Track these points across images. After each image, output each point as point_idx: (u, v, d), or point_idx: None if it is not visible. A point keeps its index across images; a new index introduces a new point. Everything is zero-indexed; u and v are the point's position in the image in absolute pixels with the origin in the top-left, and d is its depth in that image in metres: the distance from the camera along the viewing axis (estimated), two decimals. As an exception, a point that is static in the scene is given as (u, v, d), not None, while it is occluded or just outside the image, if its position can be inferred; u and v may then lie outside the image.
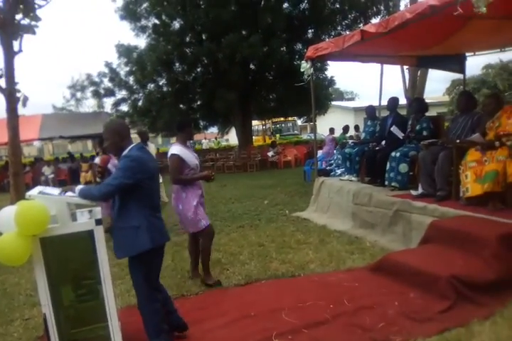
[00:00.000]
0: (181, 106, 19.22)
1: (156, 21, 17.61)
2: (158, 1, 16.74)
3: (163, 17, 17.23)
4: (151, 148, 6.64)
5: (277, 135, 28.26)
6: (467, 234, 3.95)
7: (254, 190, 11.12)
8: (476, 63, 25.84)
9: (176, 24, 17.65)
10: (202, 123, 21.44)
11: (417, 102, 6.57)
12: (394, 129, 6.28)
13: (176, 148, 4.23)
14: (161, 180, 6.58)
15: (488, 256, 3.60)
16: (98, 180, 6.84)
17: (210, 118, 20.60)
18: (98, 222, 2.63)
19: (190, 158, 4.25)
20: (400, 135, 6.22)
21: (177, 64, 18.03)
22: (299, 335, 3.11)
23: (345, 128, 13.45)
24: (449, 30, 5.58)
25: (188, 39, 17.75)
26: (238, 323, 3.42)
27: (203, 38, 17.50)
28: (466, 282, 3.42)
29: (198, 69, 18.53)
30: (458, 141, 5.17)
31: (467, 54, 7.77)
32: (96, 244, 2.63)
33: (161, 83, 18.92)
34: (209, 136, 39.07)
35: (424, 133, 6.02)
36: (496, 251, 3.61)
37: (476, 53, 7.78)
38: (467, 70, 8.18)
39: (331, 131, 13.87)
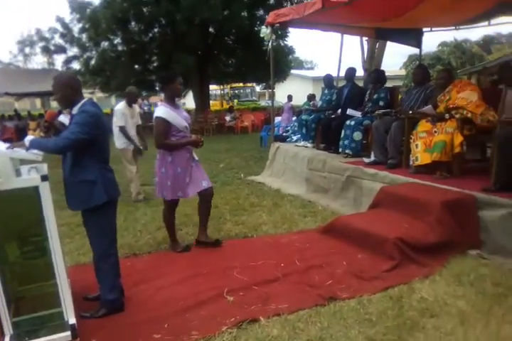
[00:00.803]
0: (137, 66, 18.58)
1: (112, -23, 16.63)
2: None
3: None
4: (136, 109, 6.38)
5: (235, 100, 27.98)
6: (414, 199, 4.14)
7: (210, 154, 11.04)
8: (432, 40, 26.43)
9: (133, -19, 16.77)
10: (158, 86, 20.90)
11: (377, 73, 6.70)
12: (350, 111, 6.36)
13: (160, 110, 3.89)
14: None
15: (432, 220, 3.81)
16: (42, 134, 6.51)
17: (167, 80, 19.99)
18: (44, 178, 2.53)
19: (177, 119, 3.90)
20: (357, 114, 6.30)
21: (133, 23, 17.21)
22: (250, 292, 3.20)
23: (310, 97, 13.52)
24: (407, 4, 5.62)
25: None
26: (190, 281, 3.47)
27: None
28: (410, 244, 3.62)
29: (156, 30, 17.84)
30: (410, 112, 5.34)
31: (424, 29, 7.88)
32: (42, 200, 2.55)
33: (115, 42, 18.09)
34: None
35: (381, 103, 6.16)
36: (439, 216, 3.82)
37: (433, 29, 7.90)
38: (424, 46, 8.32)
39: (289, 98, 13.87)
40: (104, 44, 18.04)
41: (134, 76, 17.92)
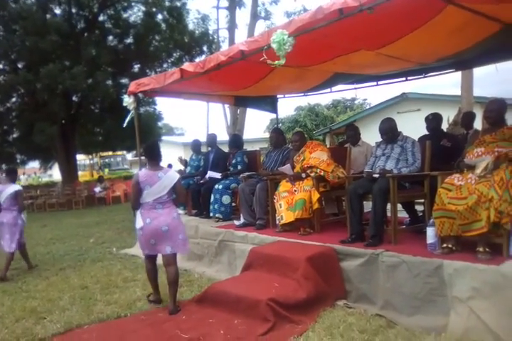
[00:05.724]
0: (-7, 139, 17.34)
1: (-39, 44, 15.72)
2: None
3: (-30, 41, 15.47)
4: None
5: (106, 170, 27.12)
6: (281, 257, 4.31)
7: (80, 228, 10.44)
8: (291, 105, 29.05)
9: (-13, 49, 16.02)
10: (19, 158, 19.59)
11: (233, 138, 7.15)
12: (210, 174, 6.65)
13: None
14: None
15: (299, 276, 3.97)
16: None
17: (29, 152, 18.87)
18: None
19: None
20: (218, 175, 6.60)
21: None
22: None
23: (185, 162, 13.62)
24: (259, 74, 6.03)
25: (1, 66, 16.29)
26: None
27: (19, 66, 16.24)
28: (283, 303, 3.69)
29: (14, 99, 16.99)
30: (270, 172, 5.74)
31: (278, 96, 8.66)
32: None
33: (-34, 113, 16.77)
34: (29, 171, 35.62)
35: (239, 166, 6.52)
36: (305, 272, 4.00)
37: (286, 96, 8.74)
38: (283, 110, 9.12)
39: (170, 166, 13.80)
40: (-47, 116, 16.66)
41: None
